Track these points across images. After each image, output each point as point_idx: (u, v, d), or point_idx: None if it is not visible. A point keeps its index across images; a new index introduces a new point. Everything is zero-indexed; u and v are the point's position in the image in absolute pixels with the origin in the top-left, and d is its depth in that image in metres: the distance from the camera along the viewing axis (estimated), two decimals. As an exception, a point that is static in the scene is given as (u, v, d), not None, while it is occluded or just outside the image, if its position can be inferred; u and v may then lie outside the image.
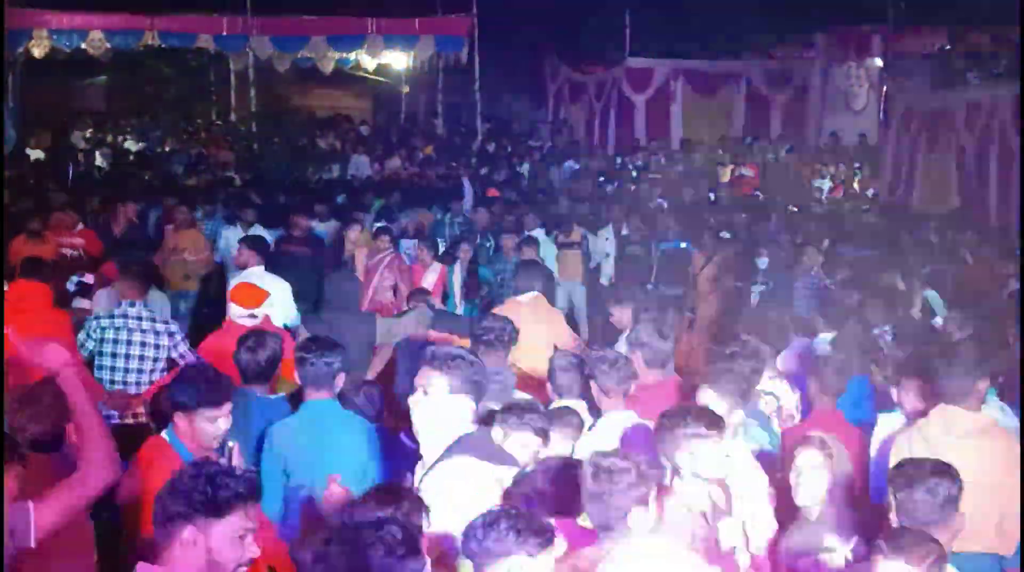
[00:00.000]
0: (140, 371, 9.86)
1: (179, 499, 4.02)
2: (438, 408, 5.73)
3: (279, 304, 11.40)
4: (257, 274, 12.13)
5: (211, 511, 3.99)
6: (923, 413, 6.86)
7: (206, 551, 4.02)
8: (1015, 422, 7.25)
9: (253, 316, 9.56)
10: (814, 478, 5.98)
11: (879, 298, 11.42)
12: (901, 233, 16.82)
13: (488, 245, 17.50)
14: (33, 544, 4.95)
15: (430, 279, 14.90)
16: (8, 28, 31.50)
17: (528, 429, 6.00)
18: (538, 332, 9.30)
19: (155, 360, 10.01)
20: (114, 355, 9.86)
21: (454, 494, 5.48)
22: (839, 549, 5.85)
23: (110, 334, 9.88)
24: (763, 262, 14.43)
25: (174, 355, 10.03)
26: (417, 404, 5.77)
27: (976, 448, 6.38)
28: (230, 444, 6.36)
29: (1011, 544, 6.22)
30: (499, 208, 20.03)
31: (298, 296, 12.08)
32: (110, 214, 17.84)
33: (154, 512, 4.13)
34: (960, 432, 6.46)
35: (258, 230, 16.69)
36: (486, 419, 6.18)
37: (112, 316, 10.09)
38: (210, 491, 4.03)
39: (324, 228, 17.99)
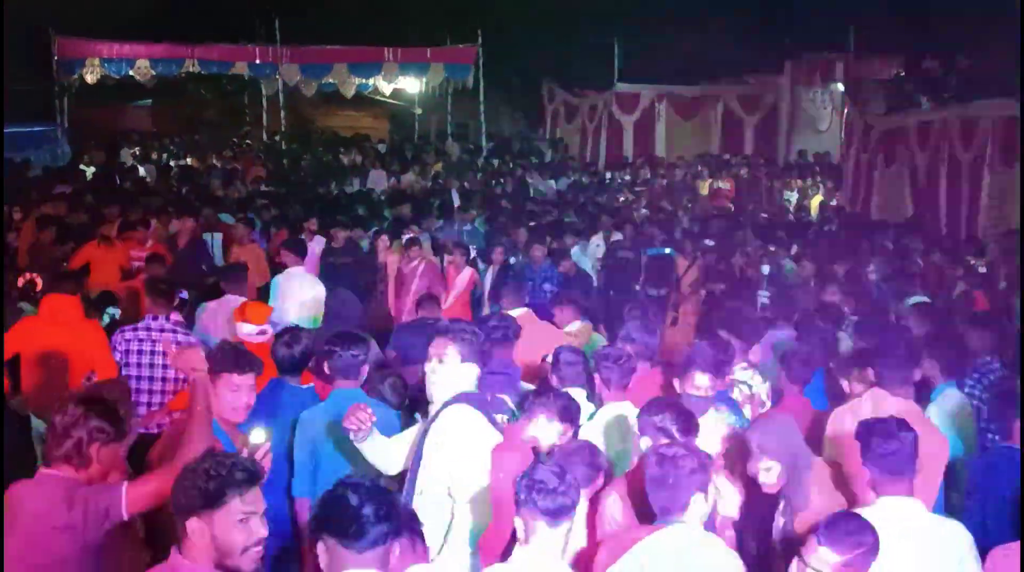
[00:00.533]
0: (164, 380, 9.45)
1: (180, 494, 4.07)
2: (451, 373, 6.00)
3: (311, 301, 11.63)
4: (298, 274, 12.30)
5: (208, 502, 4.00)
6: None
7: (211, 538, 4.02)
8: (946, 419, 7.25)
9: (263, 332, 8.84)
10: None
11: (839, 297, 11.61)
12: (860, 240, 16.83)
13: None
14: (126, 517, 5.09)
15: (462, 281, 14.21)
16: (63, 56, 31.77)
17: (553, 411, 6.11)
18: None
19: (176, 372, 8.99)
20: (139, 365, 9.50)
21: (453, 433, 5.82)
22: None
23: (134, 346, 9.51)
24: (766, 269, 13.64)
25: None
26: (434, 370, 6.03)
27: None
28: (262, 430, 6.02)
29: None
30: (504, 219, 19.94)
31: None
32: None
33: (172, 507, 4.18)
34: (885, 413, 6.11)
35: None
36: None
37: (136, 328, 9.67)
38: (203, 484, 4.04)
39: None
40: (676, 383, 6.97)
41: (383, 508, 3.83)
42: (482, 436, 5.89)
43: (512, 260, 15.81)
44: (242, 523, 4.06)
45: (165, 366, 9.25)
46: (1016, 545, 5.24)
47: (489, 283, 14.88)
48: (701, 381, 6.78)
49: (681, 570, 4.84)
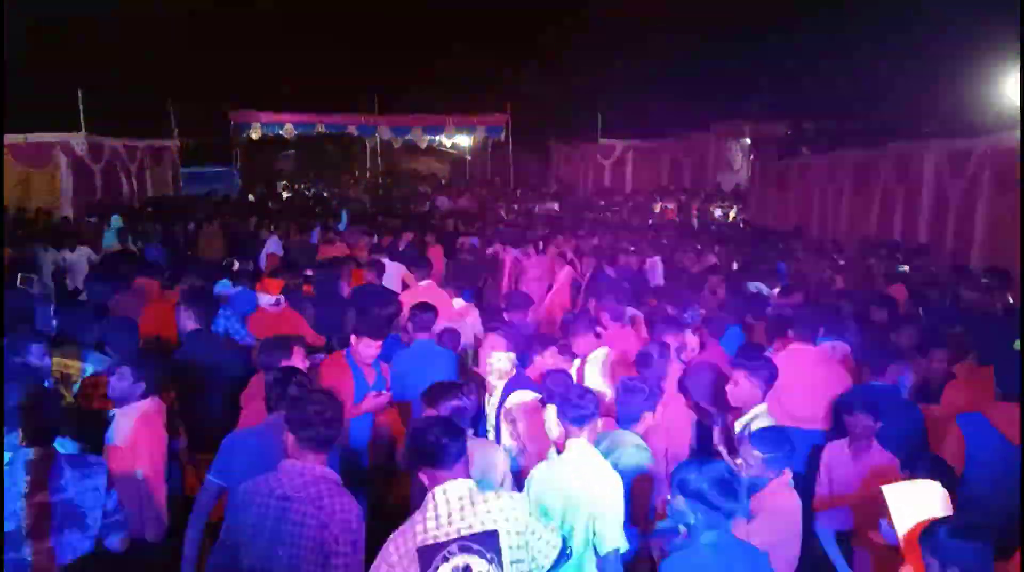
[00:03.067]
0: None
1: None
2: (498, 361, 5.79)
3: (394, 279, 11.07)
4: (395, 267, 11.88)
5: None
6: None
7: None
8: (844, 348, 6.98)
9: (277, 302, 7.89)
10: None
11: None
12: (759, 242, 16.75)
13: None
14: None
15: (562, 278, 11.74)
16: (237, 121, 31.94)
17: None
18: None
19: None
20: None
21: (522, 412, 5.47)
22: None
23: None
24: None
25: None
26: (487, 355, 5.84)
27: (812, 367, 6.32)
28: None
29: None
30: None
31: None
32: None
33: None
34: (806, 360, 6.33)
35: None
36: None
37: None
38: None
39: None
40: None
41: (452, 433, 3.45)
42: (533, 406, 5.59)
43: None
44: None
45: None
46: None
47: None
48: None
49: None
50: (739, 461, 4.38)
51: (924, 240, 15.19)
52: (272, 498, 3.49)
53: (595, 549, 4.08)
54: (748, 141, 28.16)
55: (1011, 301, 9.53)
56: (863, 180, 17.84)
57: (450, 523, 3.22)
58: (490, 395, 5.87)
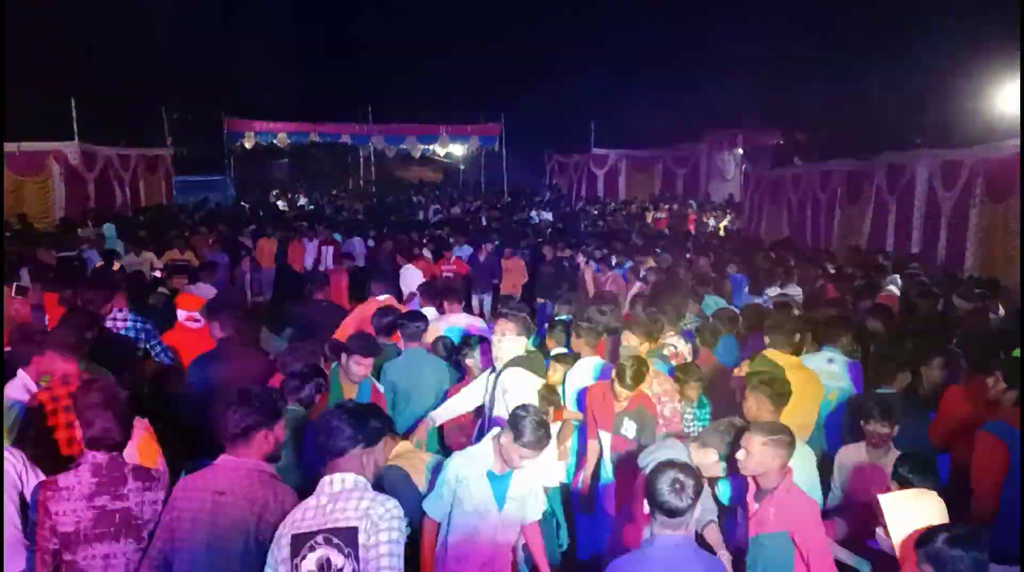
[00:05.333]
0: None
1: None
2: (509, 344, 5.76)
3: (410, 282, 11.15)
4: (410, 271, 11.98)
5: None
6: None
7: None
8: (840, 366, 6.69)
9: (196, 319, 7.41)
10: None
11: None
12: (752, 251, 16.71)
13: None
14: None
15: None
16: (230, 130, 31.95)
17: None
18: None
19: None
20: None
21: (513, 386, 5.56)
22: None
23: None
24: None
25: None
26: (497, 342, 5.77)
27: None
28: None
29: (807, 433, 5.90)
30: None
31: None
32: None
33: None
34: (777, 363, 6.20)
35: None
36: None
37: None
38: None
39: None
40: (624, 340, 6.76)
41: (348, 419, 3.46)
42: (527, 382, 5.67)
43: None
44: None
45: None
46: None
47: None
48: (631, 341, 6.67)
49: None
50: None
51: (916, 249, 15.21)
52: (208, 492, 3.48)
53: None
54: (741, 151, 28.24)
55: (1001, 311, 9.55)
56: (855, 190, 17.88)
57: (325, 514, 3.26)
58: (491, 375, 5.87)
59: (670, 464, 3.60)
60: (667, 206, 29.04)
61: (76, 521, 3.58)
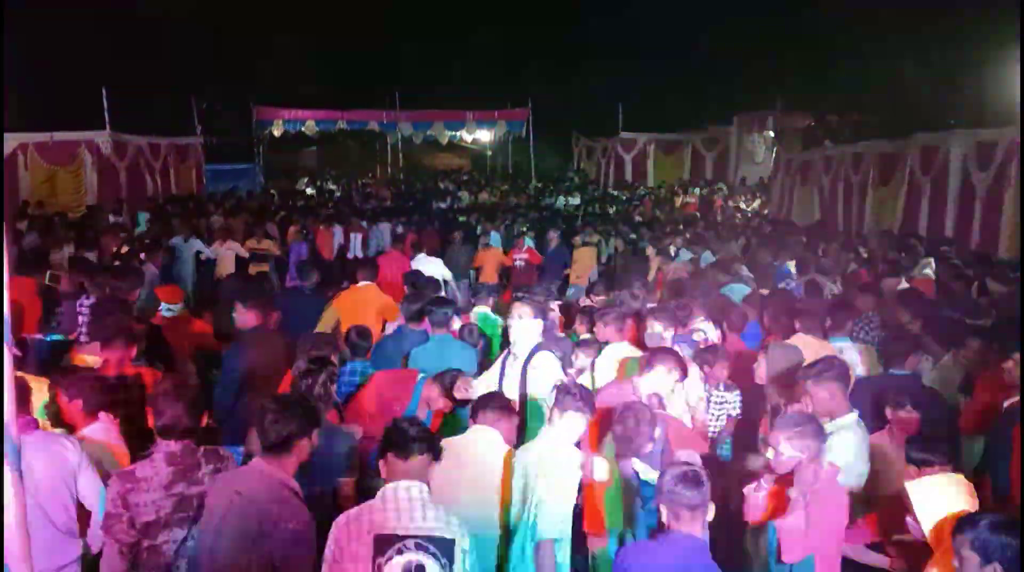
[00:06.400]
0: None
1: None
2: (525, 327, 5.83)
3: (435, 270, 11.12)
4: (423, 258, 11.98)
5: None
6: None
7: None
8: (852, 354, 6.65)
9: (171, 310, 7.57)
10: None
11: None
12: (783, 236, 16.52)
13: None
14: None
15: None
16: (259, 118, 32.14)
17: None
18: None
19: None
20: None
21: (541, 370, 5.62)
22: None
23: None
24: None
25: None
26: (513, 325, 5.86)
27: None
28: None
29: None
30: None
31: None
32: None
33: None
34: (809, 351, 6.04)
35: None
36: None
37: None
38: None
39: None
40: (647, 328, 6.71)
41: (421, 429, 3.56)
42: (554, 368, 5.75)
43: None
44: None
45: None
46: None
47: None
48: (656, 327, 6.62)
49: None
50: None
51: (950, 232, 15.02)
52: (231, 490, 3.48)
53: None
54: (771, 134, 27.98)
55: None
56: (888, 172, 17.67)
57: (411, 520, 3.28)
58: (515, 358, 5.88)
59: (682, 461, 3.69)
60: (698, 191, 28.83)
61: (156, 510, 3.68)
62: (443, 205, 26.22)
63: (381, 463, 3.52)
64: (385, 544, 3.21)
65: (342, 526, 3.34)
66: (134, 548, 3.68)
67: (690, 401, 5.94)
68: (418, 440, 3.47)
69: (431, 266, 11.36)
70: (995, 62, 16.84)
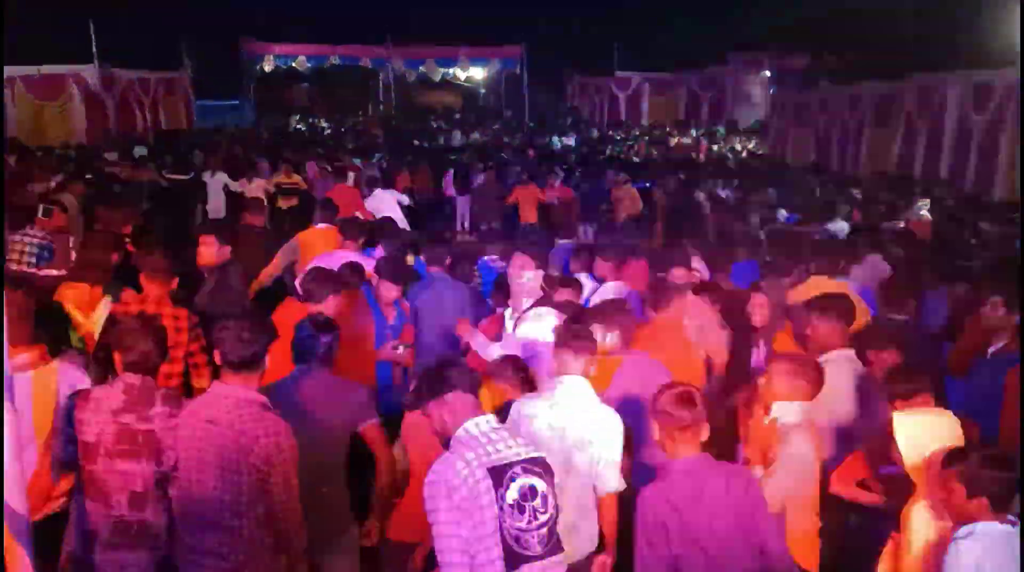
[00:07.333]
0: None
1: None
2: (529, 280, 5.74)
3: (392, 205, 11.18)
4: (379, 195, 11.80)
5: None
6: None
7: None
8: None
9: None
10: None
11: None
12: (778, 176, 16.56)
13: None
14: None
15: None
16: (250, 54, 31.71)
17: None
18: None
19: None
20: None
21: (539, 323, 5.28)
22: None
23: None
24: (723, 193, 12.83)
25: None
26: (512, 277, 5.80)
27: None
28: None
29: None
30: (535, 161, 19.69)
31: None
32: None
33: None
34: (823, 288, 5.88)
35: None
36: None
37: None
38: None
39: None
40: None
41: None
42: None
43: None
44: None
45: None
46: None
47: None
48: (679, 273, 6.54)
49: None
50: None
51: (945, 174, 15.04)
52: (200, 422, 3.48)
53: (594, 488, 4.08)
54: (767, 74, 27.78)
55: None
56: (884, 113, 17.62)
57: (507, 447, 3.27)
58: (515, 313, 5.80)
59: (674, 383, 3.64)
60: (695, 132, 28.69)
61: (98, 433, 3.62)
62: (439, 143, 26.05)
63: (439, 407, 3.35)
64: (500, 473, 3.21)
65: (443, 471, 3.18)
66: (74, 467, 3.68)
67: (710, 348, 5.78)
68: (467, 379, 3.38)
69: (387, 202, 11.36)
70: (994, 2, 16.68)
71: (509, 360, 4.62)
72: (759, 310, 5.90)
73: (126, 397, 3.66)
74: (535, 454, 3.32)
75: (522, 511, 3.22)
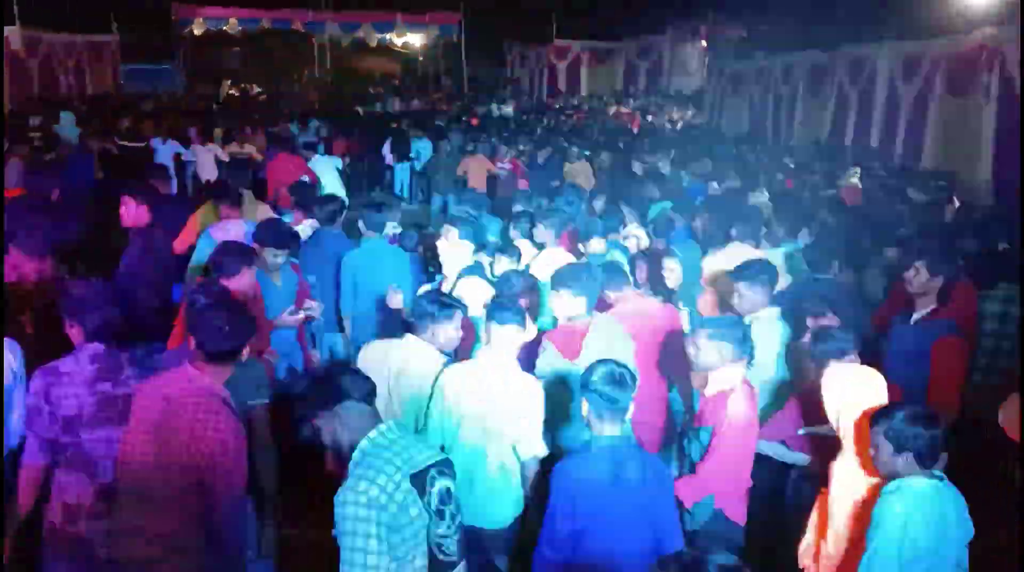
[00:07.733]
0: None
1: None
2: (454, 248, 5.85)
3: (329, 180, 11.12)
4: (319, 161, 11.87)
5: None
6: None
7: None
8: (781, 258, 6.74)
9: None
10: None
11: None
12: (713, 146, 16.67)
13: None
14: None
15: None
16: (179, 16, 30.89)
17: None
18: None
19: None
20: None
21: (472, 291, 5.36)
22: None
23: None
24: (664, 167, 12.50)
25: None
26: (442, 245, 5.88)
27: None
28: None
29: None
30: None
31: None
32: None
33: None
34: (737, 257, 5.85)
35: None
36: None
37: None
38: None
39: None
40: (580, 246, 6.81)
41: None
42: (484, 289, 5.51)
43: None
44: None
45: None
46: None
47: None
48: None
49: None
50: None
51: (876, 144, 15.34)
52: (159, 395, 3.42)
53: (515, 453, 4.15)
54: (704, 44, 27.93)
55: (957, 204, 9.73)
56: (818, 84, 17.87)
57: (418, 452, 3.12)
58: (445, 280, 5.90)
59: (606, 359, 3.63)
60: (632, 102, 28.75)
61: (79, 406, 3.66)
62: (369, 110, 25.73)
63: (330, 418, 3.10)
64: (421, 479, 3.04)
65: (365, 486, 2.92)
66: (54, 444, 3.68)
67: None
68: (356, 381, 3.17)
69: (326, 167, 11.40)
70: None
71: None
72: (671, 274, 6.27)
73: (97, 366, 3.71)
74: (440, 458, 3.21)
75: (442, 516, 3.10)
